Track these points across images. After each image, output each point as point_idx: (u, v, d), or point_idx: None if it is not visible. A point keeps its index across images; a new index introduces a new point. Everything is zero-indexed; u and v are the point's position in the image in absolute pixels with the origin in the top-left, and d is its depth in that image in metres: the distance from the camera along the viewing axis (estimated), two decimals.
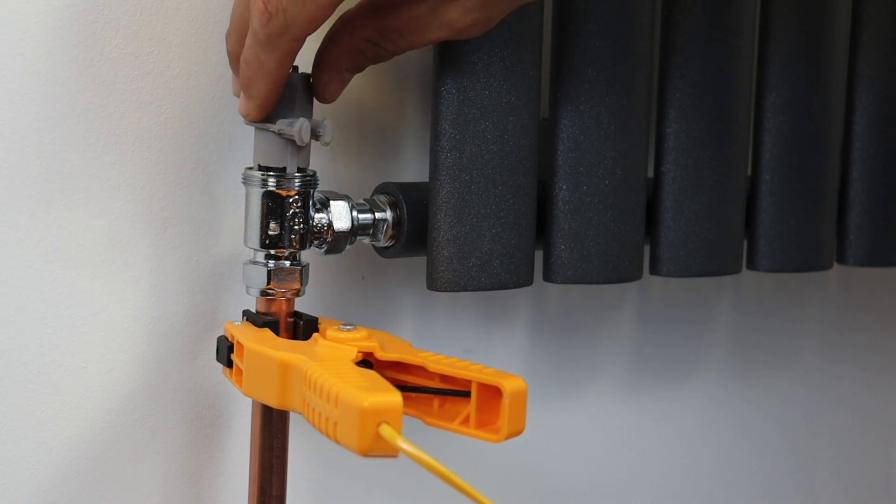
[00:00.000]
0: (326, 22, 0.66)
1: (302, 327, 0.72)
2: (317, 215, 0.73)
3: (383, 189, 0.78)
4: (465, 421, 0.67)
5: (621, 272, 0.82)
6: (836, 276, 1.02)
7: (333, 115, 0.79)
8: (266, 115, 0.69)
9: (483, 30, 0.67)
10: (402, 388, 0.66)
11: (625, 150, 0.81)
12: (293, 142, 0.70)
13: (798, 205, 0.88)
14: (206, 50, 0.75)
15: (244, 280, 0.72)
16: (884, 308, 1.06)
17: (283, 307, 0.72)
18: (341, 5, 0.65)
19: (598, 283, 0.81)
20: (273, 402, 0.66)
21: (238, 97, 0.70)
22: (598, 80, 0.79)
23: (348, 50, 0.68)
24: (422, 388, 0.69)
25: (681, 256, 0.84)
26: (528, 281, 0.79)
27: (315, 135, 0.69)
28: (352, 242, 0.75)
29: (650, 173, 0.84)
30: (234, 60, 0.69)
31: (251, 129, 0.71)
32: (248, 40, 0.66)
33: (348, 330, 0.70)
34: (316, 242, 0.73)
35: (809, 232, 0.88)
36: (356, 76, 0.71)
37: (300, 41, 0.65)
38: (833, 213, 0.90)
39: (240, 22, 0.68)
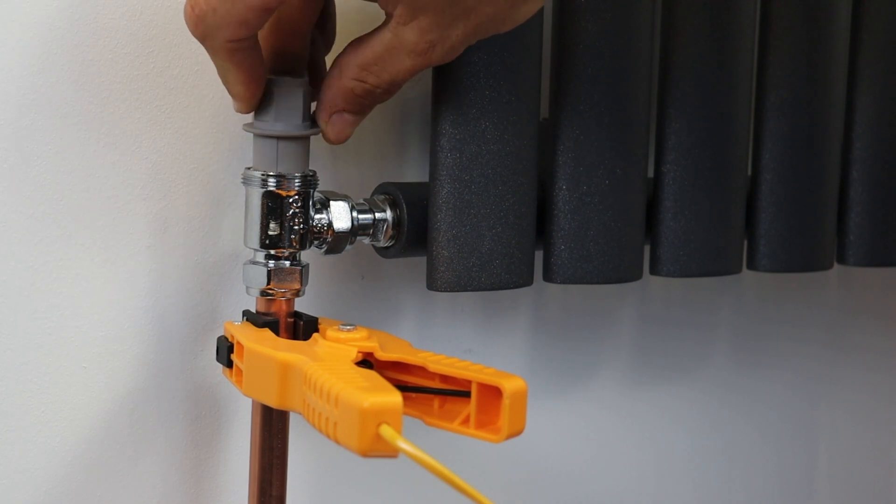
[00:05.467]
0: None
1: (302, 327, 0.72)
2: (317, 215, 0.73)
3: (383, 189, 0.78)
4: (466, 421, 0.67)
5: (621, 272, 0.82)
6: (836, 276, 1.02)
7: None
8: (250, 108, 0.70)
9: (448, 54, 0.68)
10: (402, 388, 0.66)
11: (625, 150, 0.81)
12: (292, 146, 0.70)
13: (798, 205, 0.88)
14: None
15: (244, 280, 0.72)
16: (884, 308, 1.06)
17: (283, 307, 0.72)
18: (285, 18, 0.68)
19: (598, 283, 0.81)
20: (273, 403, 0.66)
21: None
22: (598, 80, 0.79)
23: (340, 91, 0.70)
24: (422, 389, 0.69)
25: (681, 256, 0.84)
26: (528, 281, 0.79)
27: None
28: (352, 242, 0.75)
29: (650, 173, 0.84)
30: None
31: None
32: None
33: (348, 330, 0.70)
34: (316, 242, 0.73)
35: (809, 232, 0.88)
36: None
37: (239, 42, 0.66)
38: (833, 213, 0.90)
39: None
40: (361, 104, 0.71)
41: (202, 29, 0.65)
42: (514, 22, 0.68)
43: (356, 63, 0.69)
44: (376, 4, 0.67)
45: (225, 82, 0.69)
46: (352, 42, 0.70)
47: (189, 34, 0.69)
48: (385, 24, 0.68)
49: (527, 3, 0.67)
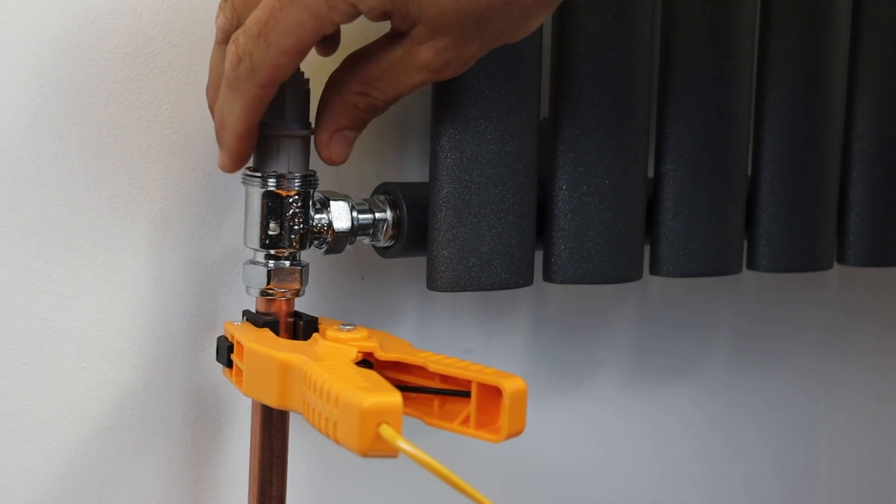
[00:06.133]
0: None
1: (302, 327, 0.72)
2: (317, 215, 0.73)
3: (383, 189, 0.78)
4: (466, 421, 0.67)
5: (621, 272, 0.82)
6: (836, 276, 1.02)
7: None
8: (239, 166, 0.70)
9: (461, 69, 0.68)
10: (402, 388, 0.66)
11: (625, 150, 0.81)
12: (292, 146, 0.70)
13: (798, 205, 0.88)
14: (205, 50, 0.75)
15: (244, 280, 0.72)
16: (884, 309, 1.06)
17: (283, 307, 0.72)
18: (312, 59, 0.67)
19: (598, 283, 0.81)
20: (273, 402, 0.66)
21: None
22: (598, 80, 0.79)
23: (341, 106, 0.69)
24: (422, 389, 0.69)
25: (681, 256, 0.84)
26: (528, 281, 0.79)
27: None
28: (352, 242, 0.75)
29: (650, 173, 0.84)
30: (213, 110, 0.70)
31: None
32: (221, 87, 0.67)
33: (348, 330, 0.70)
34: (316, 242, 0.73)
35: (809, 232, 0.88)
36: None
37: (267, 88, 0.66)
38: (833, 213, 0.90)
39: (216, 74, 0.69)
40: (363, 119, 0.70)
41: (240, 70, 0.65)
42: (524, 33, 0.68)
43: (360, 77, 0.68)
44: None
45: (221, 131, 0.68)
46: (351, 56, 0.69)
47: (188, 34, 0.69)
48: (396, 40, 0.67)
49: (537, 16, 0.67)
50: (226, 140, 0.68)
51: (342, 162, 0.71)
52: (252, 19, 0.64)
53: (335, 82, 0.69)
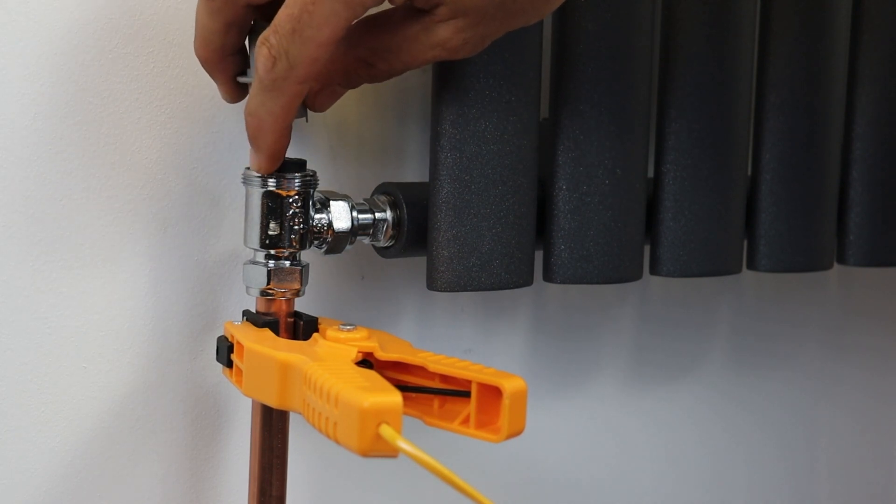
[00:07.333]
0: None
1: (302, 327, 0.72)
2: (317, 215, 0.73)
3: (383, 189, 0.78)
4: (465, 421, 0.67)
5: (621, 272, 0.82)
6: (836, 276, 1.02)
7: (333, 115, 0.79)
8: (277, 165, 0.69)
9: (476, 50, 0.68)
10: (402, 388, 0.66)
11: (625, 149, 0.81)
12: None
13: (798, 205, 0.88)
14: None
15: (244, 280, 0.72)
16: (884, 309, 1.06)
17: (283, 307, 0.72)
18: None
19: (598, 283, 0.81)
20: (273, 402, 0.66)
21: (226, 100, 0.71)
22: (598, 80, 0.79)
23: (342, 66, 0.69)
24: (422, 389, 0.69)
25: (681, 256, 0.84)
26: (528, 281, 0.79)
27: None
28: (352, 242, 0.75)
29: (650, 173, 0.84)
30: (207, 64, 0.69)
31: None
32: (252, 90, 0.66)
33: (348, 330, 0.70)
34: (316, 242, 0.73)
35: (809, 232, 0.88)
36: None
37: (305, 83, 0.65)
38: (833, 213, 0.90)
39: (202, 27, 0.68)
40: (358, 82, 0.70)
41: (277, 71, 0.64)
42: (542, 15, 0.67)
43: (369, 45, 0.68)
44: None
45: (258, 135, 0.67)
46: (364, 20, 0.68)
47: (188, 34, 0.69)
48: (414, 14, 0.66)
49: None
50: (264, 142, 0.68)
51: (322, 111, 0.71)
52: (283, 17, 0.63)
53: (344, 40, 0.68)
